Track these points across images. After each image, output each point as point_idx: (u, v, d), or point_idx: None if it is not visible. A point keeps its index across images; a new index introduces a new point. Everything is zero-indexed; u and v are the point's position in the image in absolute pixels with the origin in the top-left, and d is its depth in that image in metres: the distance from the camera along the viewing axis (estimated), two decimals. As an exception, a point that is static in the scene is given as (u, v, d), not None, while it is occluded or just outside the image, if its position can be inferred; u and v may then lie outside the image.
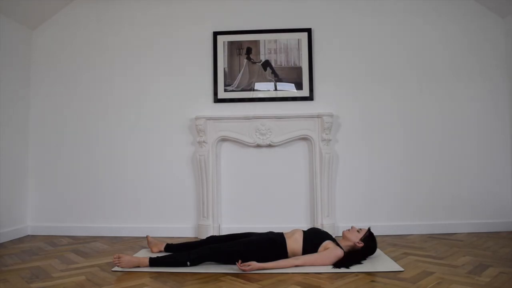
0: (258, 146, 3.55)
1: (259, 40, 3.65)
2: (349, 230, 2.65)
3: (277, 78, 3.62)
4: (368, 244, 2.56)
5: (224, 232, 3.39)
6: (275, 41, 3.64)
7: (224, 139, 3.60)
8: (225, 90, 3.63)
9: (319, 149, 3.47)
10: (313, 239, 2.55)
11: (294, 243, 2.52)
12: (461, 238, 3.26)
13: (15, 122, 3.61)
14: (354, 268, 2.39)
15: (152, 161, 3.65)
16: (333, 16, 3.66)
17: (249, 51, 3.65)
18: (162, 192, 3.63)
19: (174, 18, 3.73)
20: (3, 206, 3.41)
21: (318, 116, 3.47)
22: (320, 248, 2.50)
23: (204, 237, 3.01)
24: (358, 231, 2.61)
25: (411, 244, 3.09)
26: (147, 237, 2.99)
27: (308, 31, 3.63)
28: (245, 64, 3.65)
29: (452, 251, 2.83)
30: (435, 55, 3.61)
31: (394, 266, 2.44)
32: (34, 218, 3.72)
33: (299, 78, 3.61)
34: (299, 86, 3.60)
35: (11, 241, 3.40)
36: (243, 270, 2.34)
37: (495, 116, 3.57)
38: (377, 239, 2.66)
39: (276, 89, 3.62)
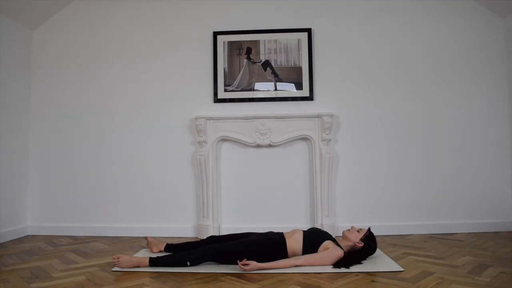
0: (258, 146, 3.55)
1: (259, 40, 3.65)
2: (349, 230, 2.65)
3: (277, 78, 3.62)
4: (368, 244, 2.56)
5: (224, 232, 3.39)
6: (275, 41, 3.64)
7: (224, 139, 3.60)
8: (225, 90, 3.63)
9: (319, 149, 3.47)
10: (313, 239, 2.55)
11: (294, 243, 2.52)
12: (461, 238, 3.26)
13: (15, 122, 3.61)
14: (354, 268, 2.39)
15: (152, 161, 3.65)
16: (333, 16, 3.66)
17: (249, 51, 3.65)
18: (162, 192, 3.63)
19: (174, 18, 3.73)
20: (3, 206, 3.41)
21: (318, 116, 3.47)
22: (320, 248, 2.50)
23: (204, 237, 3.01)
24: (358, 231, 2.61)
25: (411, 244, 3.09)
26: (146, 237, 2.99)
27: (308, 31, 3.63)
28: (245, 64, 3.65)
29: (452, 251, 2.83)
30: (435, 55, 3.61)
31: (394, 266, 2.44)
32: (34, 218, 3.72)
33: (299, 78, 3.61)
34: (299, 86, 3.60)
35: (11, 241, 3.40)
36: (244, 270, 2.34)
37: (495, 116, 3.57)
38: (377, 239, 2.66)
39: (276, 89, 3.62)
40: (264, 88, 3.63)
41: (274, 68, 3.63)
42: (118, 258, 2.44)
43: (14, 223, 3.54)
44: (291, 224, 3.28)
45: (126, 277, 2.32)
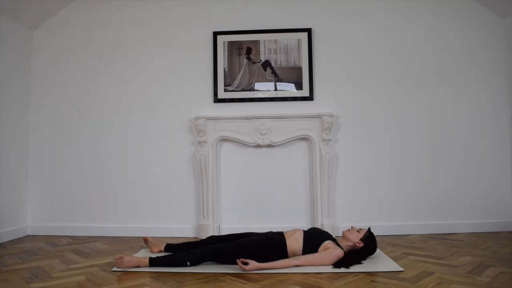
0: (258, 146, 3.55)
1: (259, 40, 3.65)
2: (349, 230, 2.65)
3: (277, 78, 3.62)
4: (368, 244, 2.56)
5: (224, 232, 3.39)
6: (275, 41, 3.64)
7: (224, 139, 3.60)
8: (225, 90, 3.63)
9: (319, 149, 3.47)
10: (313, 239, 2.55)
11: (294, 243, 2.52)
12: (461, 238, 3.26)
13: (15, 122, 3.61)
14: (354, 268, 2.39)
15: (152, 161, 3.65)
16: (333, 16, 3.66)
17: (249, 51, 3.65)
18: (162, 192, 3.63)
19: (174, 18, 3.73)
20: (3, 206, 3.41)
21: (318, 116, 3.47)
22: (320, 248, 2.50)
23: (204, 237, 3.01)
24: (358, 231, 2.61)
25: (411, 244, 3.09)
26: (144, 238, 2.98)
27: (308, 31, 3.63)
28: (245, 64, 3.65)
29: (452, 251, 2.83)
30: (435, 55, 3.61)
31: (394, 266, 2.44)
32: (34, 218, 3.72)
33: (299, 78, 3.61)
34: (299, 86, 3.60)
35: (11, 241, 3.40)
36: (243, 269, 2.34)
37: (495, 116, 3.57)
38: (377, 239, 2.66)
39: (276, 89, 3.62)
40: (264, 88, 3.63)
41: (274, 68, 3.63)
42: (121, 258, 2.44)
43: (14, 223, 3.54)
44: (291, 224, 3.28)
45: (126, 277, 2.32)
